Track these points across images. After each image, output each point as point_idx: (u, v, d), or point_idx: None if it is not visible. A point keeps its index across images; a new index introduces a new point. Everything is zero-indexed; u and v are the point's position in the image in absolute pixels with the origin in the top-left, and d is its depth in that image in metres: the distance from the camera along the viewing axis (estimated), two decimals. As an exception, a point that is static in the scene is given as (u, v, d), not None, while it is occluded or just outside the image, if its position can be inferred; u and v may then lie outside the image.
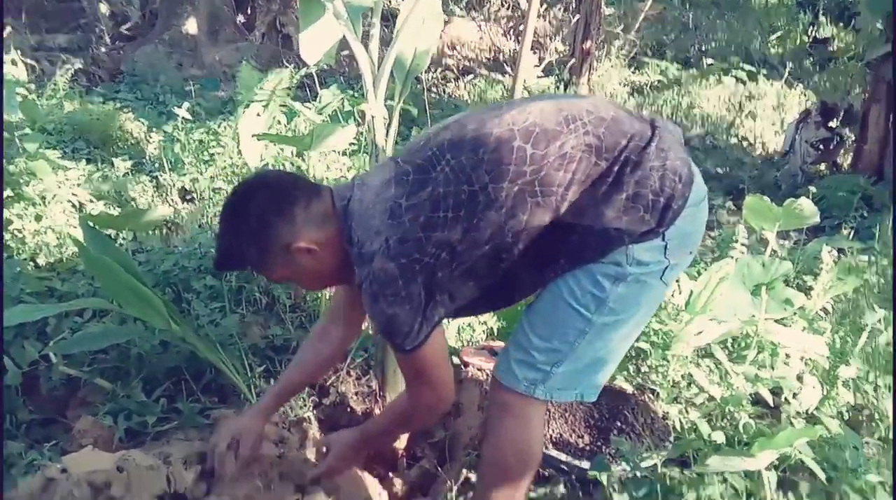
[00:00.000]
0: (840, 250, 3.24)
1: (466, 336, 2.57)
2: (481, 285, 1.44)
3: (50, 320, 2.22)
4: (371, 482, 1.92)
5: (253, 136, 3.14)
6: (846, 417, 2.14)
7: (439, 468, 2.03)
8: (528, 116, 1.39)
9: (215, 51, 6.93)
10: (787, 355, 2.23)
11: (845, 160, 4.89)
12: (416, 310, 1.36)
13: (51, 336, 2.18)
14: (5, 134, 2.57)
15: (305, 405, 2.22)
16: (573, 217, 1.37)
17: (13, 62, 3.99)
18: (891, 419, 2.07)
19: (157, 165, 3.85)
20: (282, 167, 3.49)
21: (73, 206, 3.03)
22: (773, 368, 2.21)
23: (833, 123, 4.78)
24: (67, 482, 1.46)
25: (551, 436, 1.99)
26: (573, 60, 6.48)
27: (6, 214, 2.63)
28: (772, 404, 2.11)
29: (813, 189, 3.61)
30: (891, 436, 2.07)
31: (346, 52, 6.42)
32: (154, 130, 4.50)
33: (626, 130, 1.39)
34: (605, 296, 1.40)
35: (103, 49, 6.82)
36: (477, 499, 1.61)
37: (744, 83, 6.65)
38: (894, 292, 2.52)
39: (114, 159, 3.78)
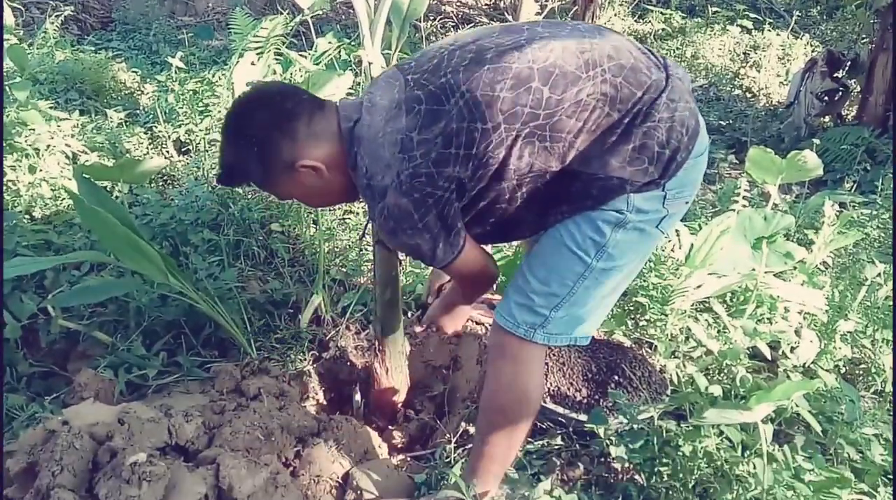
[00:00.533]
0: (842, 204, 3.22)
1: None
2: (483, 222, 1.47)
3: (47, 274, 2.21)
4: (371, 435, 1.94)
5: (247, 85, 3.07)
6: (843, 371, 2.16)
7: (438, 421, 2.05)
8: (550, 54, 1.36)
9: (208, -3, 6.75)
10: (786, 309, 2.23)
11: (850, 112, 4.81)
12: (437, 237, 1.39)
13: (49, 290, 2.18)
14: (-7, 83, 2.51)
15: (305, 359, 2.23)
16: (578, 165, 1.37)
17: (-2, 7, 3.88)
18: (889, 373, 2.09)
19: (151, 116, 3.79)
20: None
21: (67, 157, 2.99)
22: (771, 322, 2.21)
23: (839, 74, 4.69)
24: (69, 434, 1.47)
25: (549, 389, 2.00)
26: (576, 8, 6.32)
27: None
28: (769, 358, 2.12)
29: (816, 142, 3.57)
30: (888, 389, 2.09)
31: (342, 0, 6.26)
32: (147, 80, 4.41)
33: (643, 81, 1.37)
34: (605, 241, 1.42)
35: (93, -5, 6.63)
36: (476, 444, 1.63)
37: (749, 32, 6.50)
38: (894, 244, 2.51)
39: (107, 110, 3.71)
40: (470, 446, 1.77)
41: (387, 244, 1.50)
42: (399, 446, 2.00)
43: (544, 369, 2.05)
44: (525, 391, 1.53)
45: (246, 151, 1.42)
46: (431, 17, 6.62)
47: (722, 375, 2.06)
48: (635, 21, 6.94)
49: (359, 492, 1.68)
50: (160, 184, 3.18)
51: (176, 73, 3.92)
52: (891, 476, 1.67)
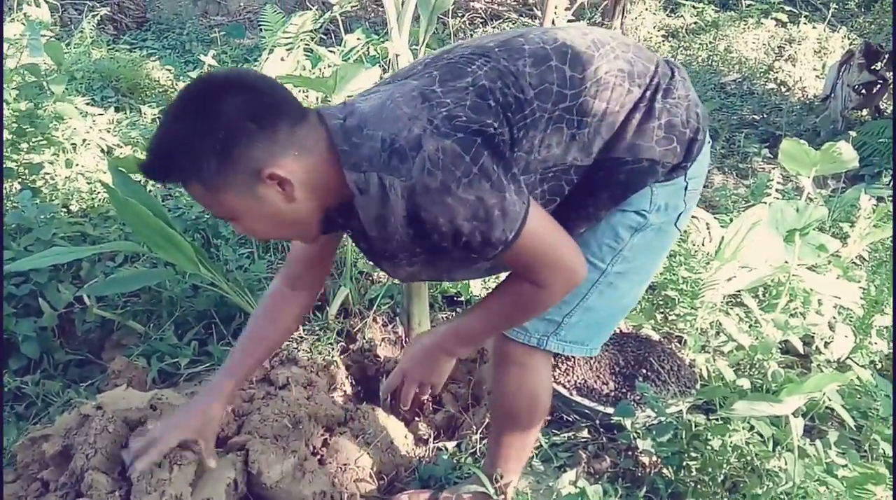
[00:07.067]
0: (879, 199, 3.15)
1: (492, 284, 2.57)
2: None
3: (83, 264, 2.27)
4: (397, 426, 1.95)
5: (276, 78, 3.10)
6: (879, 366, 2.11)
7: (464, 413, 2.05)
8: (556, 35, 1.26)
9: (241, -4, 6.85)
10: (820, 303, 2.19)
11: (888, 106, 4.69)
12: (499, 184, 1.10)
13: (84, 279, 2.23)
14: (33, 78, 2.58)
15: (333, 350, 2.25)
16: (603, 152, 1.26)
17: (36, 4, 3.96)
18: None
19: (184, 112, 3.84)
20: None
21: (103, 151, 3.06)
22: (804, 316, 2.17)
23: (877, 66, 4.57)
24: (102, 418, 1.50)
25: (575, 382, 1.99)
26: (606, 2, 6.26)
27: (38, 158, 2.65)
28: (802, 353, 2.09)
29: (853, 134, 3.49)
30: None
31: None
32: (181, 78, 4.48)
33: (651, 56, 1.33)
34: (622, 247, 1.34)
35: (129, -4, 6.77)
36: (490, 444, 1.63)
37: (784, 26, 6.38)
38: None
39: (141, 107, 3.79)
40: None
41: (439, 230, 1.10)
42: (425, 437, 2.01)
43: (570, 364, 2.04)
44: (533, 396, 1.48)
45: (205, 137, 1.07)
46: (460, 14, 6.62)
47: (753, 370, 2.03)
48: (667, 15, 6.86)
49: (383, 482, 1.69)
50: (192, 178, 3.23)
51: (208, 70, 3.99)
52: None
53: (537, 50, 1.23)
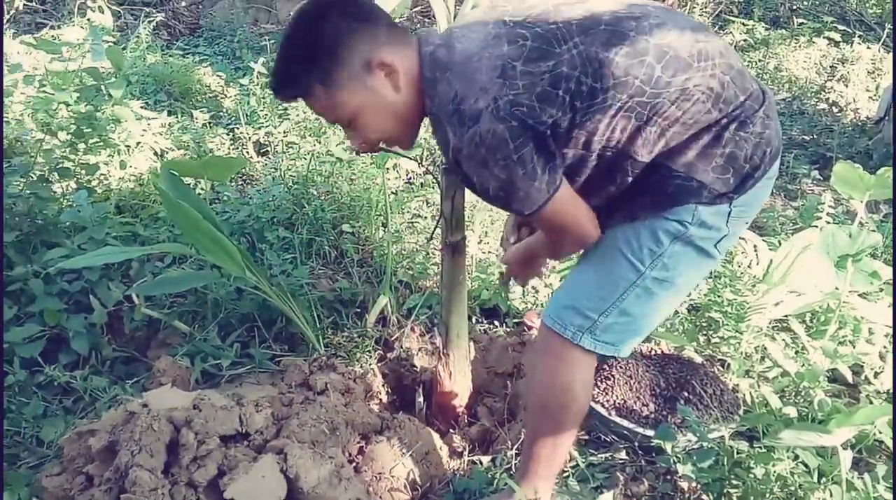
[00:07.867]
0: (935, 225, 3.05)
1: (531, 299, 2.56)
2: None
3: (133, 264, 2.33)
4: (433, 436, 1.95)
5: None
6: (932, 400, 2.04)
7: (499, 428, 2.04)
8: (667, 34, 1.30)
9: (290, 5, 6.96)
10: (871, 332, 2.12)
11: (946, 130, 4.54)
12: (533, 172, 1.25)
13: (134, 279, 2.29)
14: (92, 81, 2.66)
15: (370, 358, 2.26)
16: (662, 157, 1.32)
17: (100, 10, 4.10)
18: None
19: (233, 118, 3.93)
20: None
21: (156, 154, 3.14)
22: (854, 344, 2.11)
23: (935, 89, 4.43)
24: (148, 416, 1.54)
25: (615, 402, 1.96)
26: (653, 19, 6.22)
27: (93, 159, 2.74)
28: (851, 382, 2.03)
29: (908, 159, 3.39)
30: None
31: (417, 8, 6.35)
32: (231, 84, 4.58)
33: (746, 87, 1.35)
34: (662, 251, 1.38)
35: (183, 3, 6.95)
36: (524, 445, 1.62)
37: (837, 45, 6.24)
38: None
39: (193, 111, 3.88)
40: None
41: (473, 182, 1.29)
42: (459, 450, 2.00)
43: (610, 383, 2.02)
44: (567, 390, 1.49)
45: (316, 44, 1.29)
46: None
47: (799, 397, 1.97)
48: (716, 32, 6.77)
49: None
50: (240, 183, 3.30)
51: (258, 77, 4.06)
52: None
53: (639, 41, 1.28)
